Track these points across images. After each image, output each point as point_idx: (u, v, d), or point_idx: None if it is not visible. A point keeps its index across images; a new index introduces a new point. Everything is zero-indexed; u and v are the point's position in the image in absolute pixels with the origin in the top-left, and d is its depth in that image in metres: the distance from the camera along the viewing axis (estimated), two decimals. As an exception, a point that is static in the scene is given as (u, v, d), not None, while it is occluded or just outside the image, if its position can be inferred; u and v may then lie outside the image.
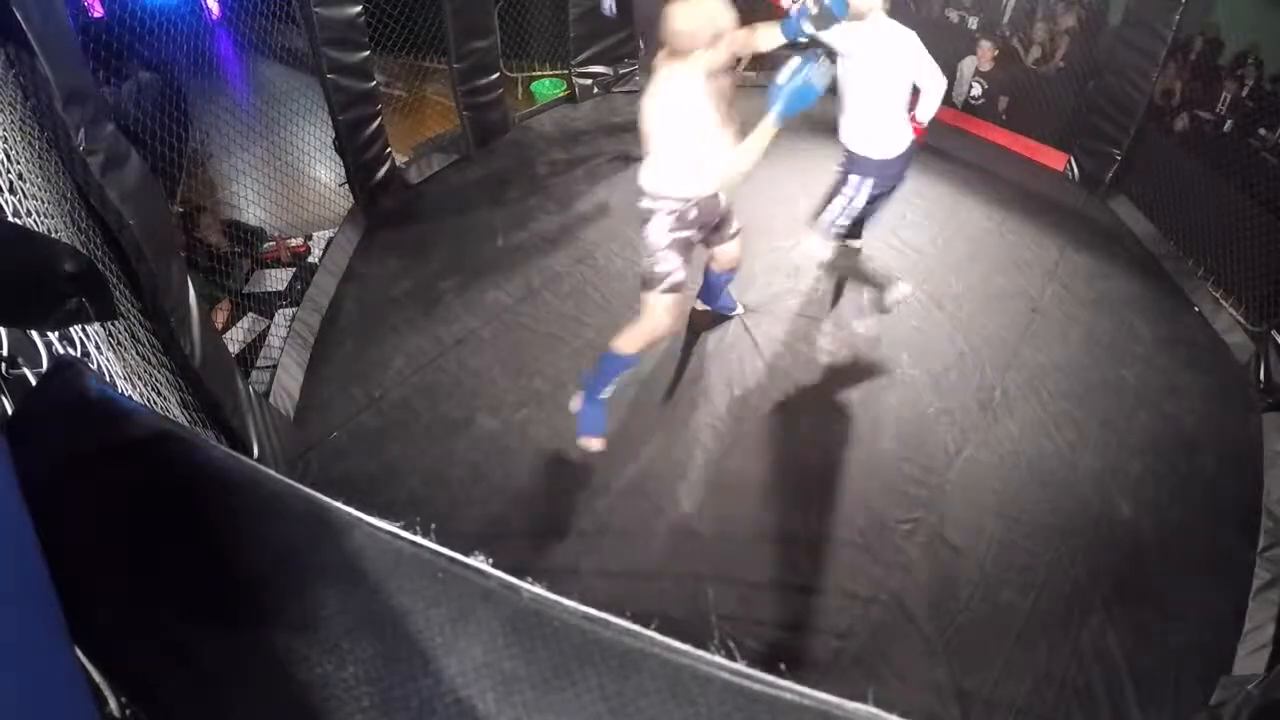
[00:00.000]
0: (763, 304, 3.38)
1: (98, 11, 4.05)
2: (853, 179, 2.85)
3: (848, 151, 2.84)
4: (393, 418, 2.77)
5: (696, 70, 2.08)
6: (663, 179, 2.26)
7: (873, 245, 3.82)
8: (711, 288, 3.03)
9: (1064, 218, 4.22)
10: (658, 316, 2.38)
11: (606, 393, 2.54)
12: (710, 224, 2.48)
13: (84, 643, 0.53)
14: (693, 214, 2.30)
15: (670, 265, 2.33)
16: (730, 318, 3.25)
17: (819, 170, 4.49)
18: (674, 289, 2.35)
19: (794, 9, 2.25)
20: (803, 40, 2.32)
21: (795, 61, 2.08)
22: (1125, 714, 2.09)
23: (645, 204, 2.31)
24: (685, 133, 2.12)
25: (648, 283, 2.36)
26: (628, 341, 2.42)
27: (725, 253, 2.72)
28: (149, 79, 3.84)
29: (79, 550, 0.57)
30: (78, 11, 3.90)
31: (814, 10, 2.20)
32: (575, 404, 2.63)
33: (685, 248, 2.36)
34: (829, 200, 2.98)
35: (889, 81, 2.64)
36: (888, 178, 2.85)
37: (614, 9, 3.66)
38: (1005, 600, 2.32)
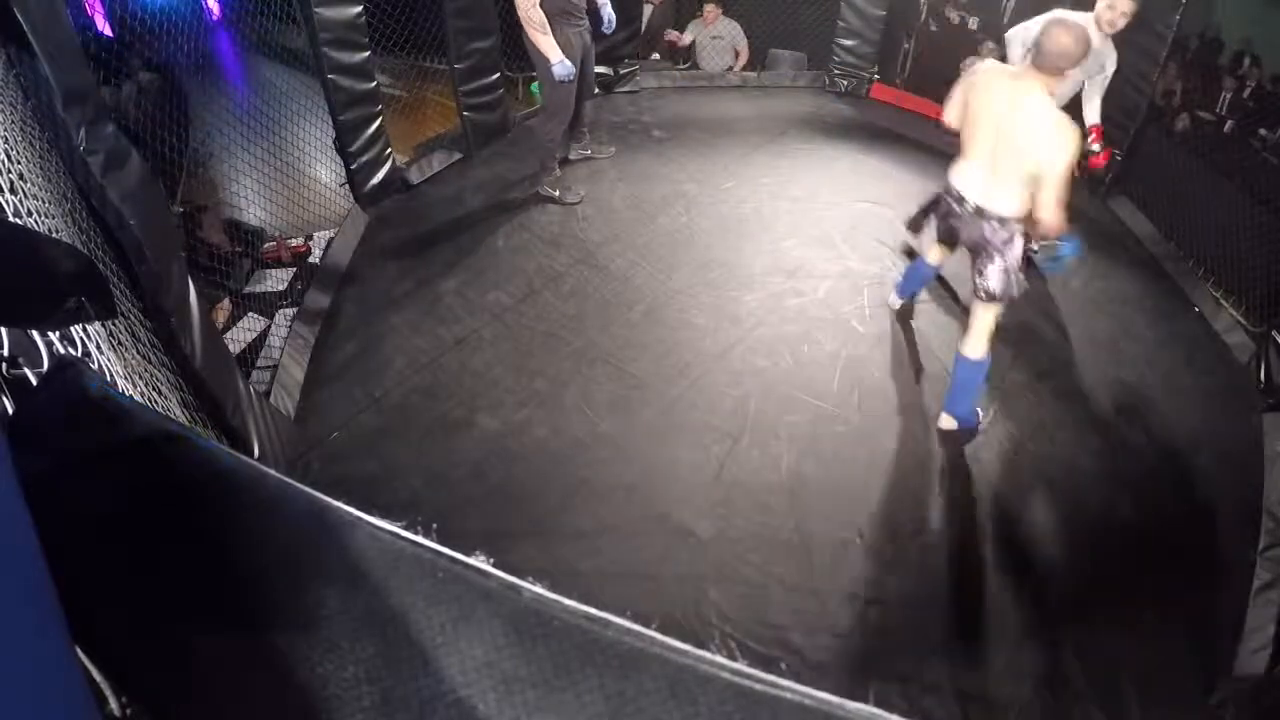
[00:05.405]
0: (763, 304, 3.38)
1: (106, 31, 4.06)
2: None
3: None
4: (393, 418, 2.77)
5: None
6: (1020, 202, 2.39)
7: (875, 246, 3.82)
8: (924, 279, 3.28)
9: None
10: (997, 319, 2.62)
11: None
12: None
13: (84, 643, 0.53)
14: None
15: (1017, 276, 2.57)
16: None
17: (819, 171, 4.51)
18: None
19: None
20: None
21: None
22: (1125, 714, 2.08)
23: (1007, 231, 2.45)
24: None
25: (999, 298, 2.54)
26: (978, 347, 2.63)
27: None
28: (149, 79, 3.84)
29: (79, 550, 0.57)
30: (85, 26, 3.90)
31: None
32: (947, 423, 2.80)
33: None
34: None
35: None
36: None
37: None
38: (1005, 600, 2.32)
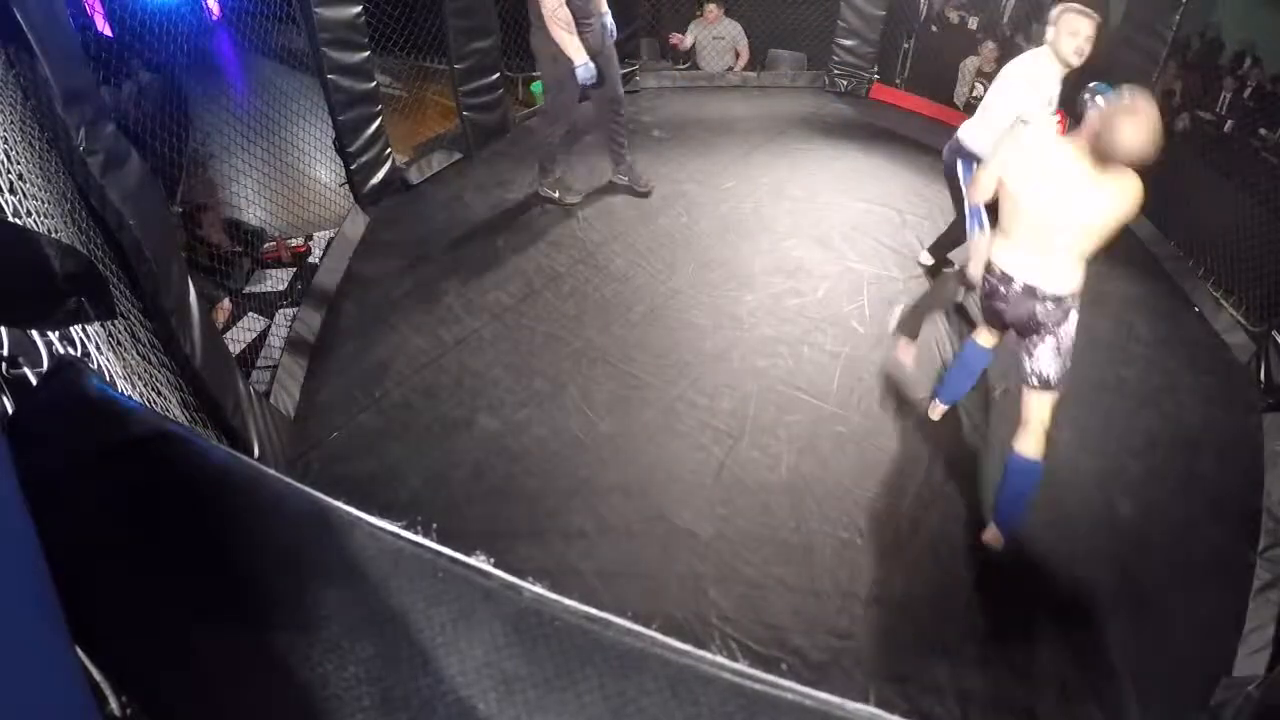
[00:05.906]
0: (763, 304, 3.38)
1: (106, 31, 4.06)
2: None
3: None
4: (393, 418, 2.77)
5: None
6: (1078, 276, 2.20)
7: (875, 246, 3.82)
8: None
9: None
10: (1054, 408, 2.33)
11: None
12: None
13: (84, 643, 0.53)
14: None
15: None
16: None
17: (819, 171, 4.50)
18: None
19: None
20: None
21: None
22: (1125, 714, 2.09)
23: (1061, 310, 2.22)
24: None
25: (1053, 385, 2.28)
26: (1036, 444, 2.31)
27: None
28: (149, 79, 3.84)
29: (80, 550, 0.57)
30: (85, 26, 3.91)
31: None
32: (992, 537, 2.43)
33: None
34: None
35: None
36: None
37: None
38: (1005, 600, 2.32)
